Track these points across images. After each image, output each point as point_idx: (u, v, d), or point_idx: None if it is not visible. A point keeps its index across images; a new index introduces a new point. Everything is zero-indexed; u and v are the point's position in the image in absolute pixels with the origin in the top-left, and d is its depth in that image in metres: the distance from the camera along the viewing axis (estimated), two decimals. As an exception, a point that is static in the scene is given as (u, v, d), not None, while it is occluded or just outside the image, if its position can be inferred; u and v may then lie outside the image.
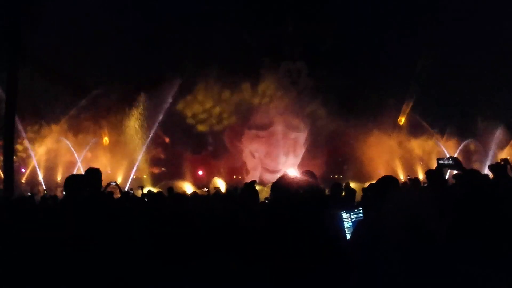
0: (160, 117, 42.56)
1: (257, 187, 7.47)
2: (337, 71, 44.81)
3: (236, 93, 46.21)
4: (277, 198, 4.42)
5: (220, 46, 44.93)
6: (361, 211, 5.63)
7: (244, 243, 4.51)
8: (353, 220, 5.62)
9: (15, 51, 26.66)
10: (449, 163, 7.21)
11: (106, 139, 47.05)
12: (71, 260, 5.04)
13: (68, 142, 43.86)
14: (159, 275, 5.62)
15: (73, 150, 43.48)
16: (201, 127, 47.22)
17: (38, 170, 42.98)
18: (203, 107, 47.20)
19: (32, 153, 43.49)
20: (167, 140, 47.01)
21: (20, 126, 39.81)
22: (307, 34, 48.59)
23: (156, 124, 42.57)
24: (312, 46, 48.82)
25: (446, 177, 10.17)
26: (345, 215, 5.60)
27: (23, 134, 42.86)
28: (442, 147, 46.39)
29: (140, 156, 41.72)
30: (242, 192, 7.27)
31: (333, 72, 44.68)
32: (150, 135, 42.41)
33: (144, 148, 42.20)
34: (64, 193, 6.21)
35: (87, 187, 6.01)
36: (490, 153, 44.18)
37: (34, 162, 43.28)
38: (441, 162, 7.33)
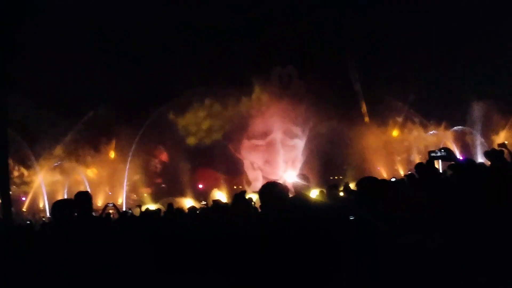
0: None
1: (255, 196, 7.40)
2: (329, 71, 44.75)
3: (230, 104, 46.31)
4: (265, 204, 4.43)
5: (210, 59, 45.18)
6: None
7: (240, 248, 4.54)
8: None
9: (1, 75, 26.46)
10: (442, 155, 7.13)
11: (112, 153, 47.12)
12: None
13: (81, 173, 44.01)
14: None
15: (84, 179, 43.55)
16: (198, 141, 47.17)
17: (45, 195, 43.09)
18: (199, 121, 47.22)
19: (41, 179, 43.59)
20: (162, 157, 46.89)
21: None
22: (295, 38, 48.55)
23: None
24: (300, 49, 48.74)
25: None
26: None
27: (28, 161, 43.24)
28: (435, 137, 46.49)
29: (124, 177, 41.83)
30: (234, 202, 7.20)
31: (325, 73, 44.60)
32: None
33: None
34: (50, 217, 6.16)
35: (76, 210, 5.92)
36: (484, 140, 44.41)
37: (42, 188, 43.43)
38: (432, 154, 7.26)
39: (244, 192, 7.18)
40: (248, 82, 46.41)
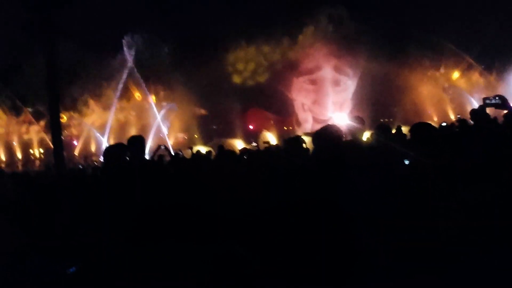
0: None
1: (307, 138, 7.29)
2: (380, 12, 43.50)
3: (280, 44, 45.95)
4: (320, 149, 4.36)
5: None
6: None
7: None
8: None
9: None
10: (496, 102, 6.89)
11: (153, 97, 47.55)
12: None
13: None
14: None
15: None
16: (247, 81, 47.10)
17: (98, 139, 44.13)
18: (248, 60, 47.05)
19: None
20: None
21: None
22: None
23: None
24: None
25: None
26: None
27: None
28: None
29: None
30: (286, 147, 7.10)
31: (376, 14, 43.38)
32: None
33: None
34: (103, 161, 6.21)
35: (128, 154, 5.97)
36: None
37: (94, 132, 44.47)
38: (487, 101, 7.00)
39: (298, 138, 7.05)
40: (298, 22, 45.67)
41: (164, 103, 45.97)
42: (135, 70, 45.39)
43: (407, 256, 3.91)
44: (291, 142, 6.60)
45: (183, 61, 43.91)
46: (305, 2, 45.84)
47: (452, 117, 38.63)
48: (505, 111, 6.76)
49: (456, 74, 46.84)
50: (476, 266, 3.75)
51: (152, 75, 46.09)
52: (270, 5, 44.81)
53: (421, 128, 5.05)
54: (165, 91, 46.34)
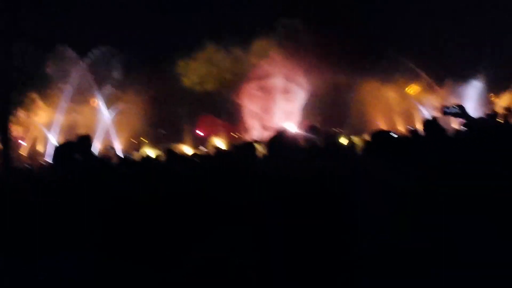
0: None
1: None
2: (335, 25, 44.27)
3: (233, 52, 46.28)
4: (274, 154, 4.31)
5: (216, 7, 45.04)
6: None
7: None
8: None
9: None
10: (455, 111, 6.87)
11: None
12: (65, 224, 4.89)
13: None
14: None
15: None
16: (198, 86, 47.17)
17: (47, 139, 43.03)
18: (200, 66, 47.17)
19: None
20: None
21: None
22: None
23: None
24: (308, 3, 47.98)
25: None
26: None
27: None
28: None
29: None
30: (239, 150, 7.07)
31: (331, 27, 44.14)
32: None
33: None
34: (52, 161, 6.02)
35: (79, 153, 5.84)
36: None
37: (43, 132, 43.39)
38: (446, 110, 7.05)
39: (251, 143, 7.02)
40: (254, 32, 46.05)
41: (113, 106, 45.36)
42: (87, 72, 44.71)
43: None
44: (244, 147, 6.58)
45: (135, 66, 43.55)
46: (261, 11, 46.37)
47: (401, 128, 39.65)
48: (464, 121, 6.75)
49: (408, 87, 48.05)
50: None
51: (102, 78, 45.48)
52: (225, 13, 45.20)
53: (382, 136, 5.05)
54: (116, 94, 45.70)
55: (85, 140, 6.15)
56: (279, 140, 4.45)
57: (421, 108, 46.43)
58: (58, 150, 5.88)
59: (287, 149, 4.23)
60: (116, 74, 45.65)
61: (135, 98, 42.80)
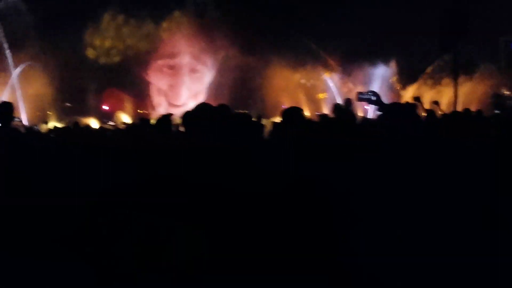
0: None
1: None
2: (246, 4, 44.57)
3: (142, 25, 45.43)
4: (192, 128, 4.34)
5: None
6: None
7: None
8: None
9: None
10: (369, 97, 6.88)
11: None
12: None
13: None
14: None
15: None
16: (106, 60, 46.10)
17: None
18: (107, 38, 46.04)
19: None
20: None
21: None
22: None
23: None
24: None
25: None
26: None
27: None
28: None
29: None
30: (157, 124, 7.25)
31: (242, 5, 44.38)
32: None
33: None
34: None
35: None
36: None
37: None
38: (361, 96, 7.14)
39: (170, 115, 7.24)
40: (163, 6, 45.49)
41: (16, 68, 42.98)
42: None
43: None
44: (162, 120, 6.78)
45: (39, 26, 41.51)
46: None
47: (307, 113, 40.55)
48: (378, 107, 6.57)
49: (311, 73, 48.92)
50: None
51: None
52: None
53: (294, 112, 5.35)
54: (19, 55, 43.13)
55: (7, 108, 6.18)
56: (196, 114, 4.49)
57: (331, 93, 47.41)
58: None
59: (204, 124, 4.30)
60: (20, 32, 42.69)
61: (40, 63, 40.84)
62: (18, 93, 41.20)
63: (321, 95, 48.50)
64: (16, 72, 41.50)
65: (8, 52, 41.92)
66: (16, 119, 11.32)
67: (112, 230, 3.70)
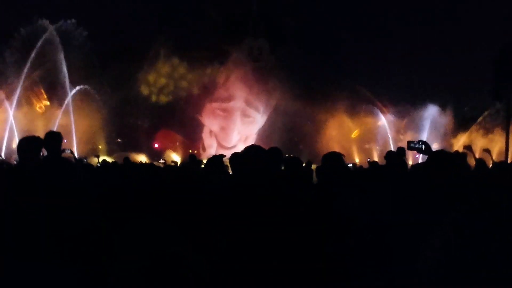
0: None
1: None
2: (300, 51, 44.96)
3: (197, 67, 46.09)
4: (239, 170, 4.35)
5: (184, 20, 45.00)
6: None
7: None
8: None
9: None
10: (419, 147, 7.01)
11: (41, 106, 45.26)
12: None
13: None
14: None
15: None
16: (159, 98, 46.83)
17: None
18: (162, 79, 46.85)
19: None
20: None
21: None
22: (271, 12, 48.57)
23: None
24: (275, 24, 48.66)
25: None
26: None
27: None
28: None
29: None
30: (208, 164, 7.07)
31: (296, 52, 44.77)
32: None
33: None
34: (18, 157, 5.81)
35: (45, 150, 5.68)
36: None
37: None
38: (412, 145, 7.17)
39: (222, 156, 7.03)
40: (219, 49, 46.08)
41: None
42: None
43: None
44: (213, 161, 6.59)
45: (99, 67, 42.45)
46: (231, 30, 46.72)
47: (357, 160, 40.14)
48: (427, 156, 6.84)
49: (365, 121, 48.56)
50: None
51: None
52: (194, 27, 45.36)
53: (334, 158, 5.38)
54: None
55: (55, 138, 5.97)
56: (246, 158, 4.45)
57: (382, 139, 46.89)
58: (22, 144, 5.68)
59: (253, 168, 4.25)
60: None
61: (95, 88, 41.24)
62: (72, 119, 41.14)
63: (355, 133, 47.97)
64: (72, 93, 41.39)
65: (65, 74, 41.82)
66: (67, 151, 11.16)
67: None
